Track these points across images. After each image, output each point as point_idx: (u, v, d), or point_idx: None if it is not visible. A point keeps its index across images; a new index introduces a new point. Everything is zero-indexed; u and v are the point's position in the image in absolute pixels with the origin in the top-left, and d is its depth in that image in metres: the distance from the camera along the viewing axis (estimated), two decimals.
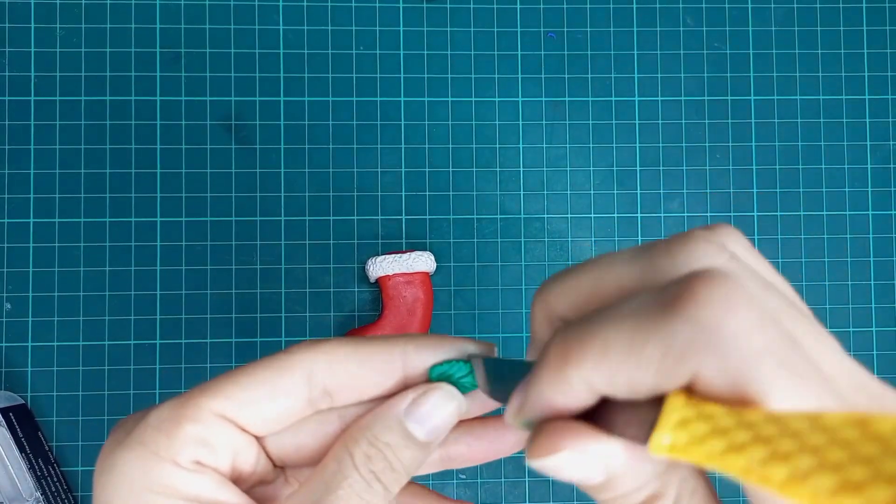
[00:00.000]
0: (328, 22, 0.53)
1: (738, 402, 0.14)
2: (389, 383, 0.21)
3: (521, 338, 0.53)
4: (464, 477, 0.52)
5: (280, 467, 0.22)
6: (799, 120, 0.54)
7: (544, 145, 0.53)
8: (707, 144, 0.54)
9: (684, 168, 0.54)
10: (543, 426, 0.17)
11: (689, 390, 0.14)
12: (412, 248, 0.52)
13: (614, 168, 0.54)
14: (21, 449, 0.47)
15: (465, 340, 0.21)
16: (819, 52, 0.54)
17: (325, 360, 0.20)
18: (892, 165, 0.54)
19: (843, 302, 0.54)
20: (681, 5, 0.54)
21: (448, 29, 0.53)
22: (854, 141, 0.54)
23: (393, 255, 0.49)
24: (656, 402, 0.15)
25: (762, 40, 0.54)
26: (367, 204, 0.52)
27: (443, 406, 0.21)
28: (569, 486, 0.51)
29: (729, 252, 0.16)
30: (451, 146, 0.53)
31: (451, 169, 0.53)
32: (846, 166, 0.54)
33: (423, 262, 0.50)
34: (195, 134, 0.52)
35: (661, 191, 0.54)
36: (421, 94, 0.53)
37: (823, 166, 0.54)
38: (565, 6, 0.54)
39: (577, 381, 0.16)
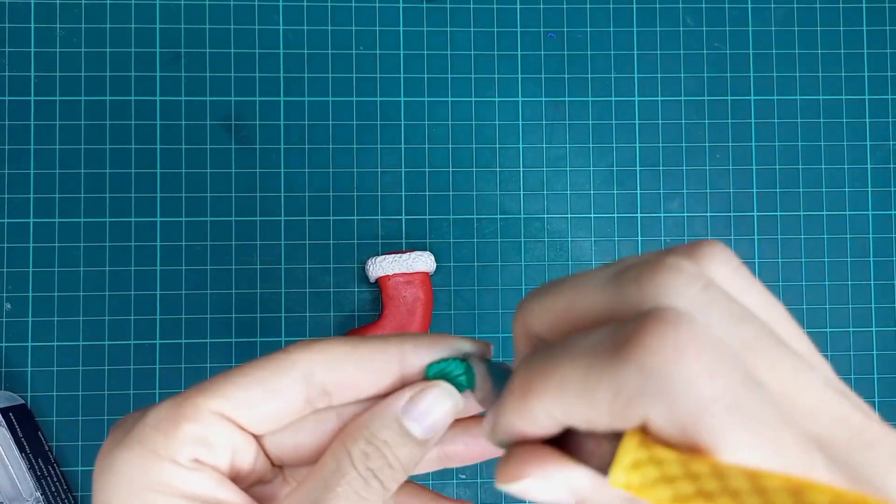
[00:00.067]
0: (328, 22, 0.53)
1: (688, 448, 0.14)
2: (387, 382, 0.21)
3: None
4: (463, 477, 0.52)
5: (279, 466, 0.22)
6: (799, 120, 0.54)
7: (544, 145, 0.53)
8: (707, 144, 0.54)
9: (684, 168, 0.54)
10: (512, 450, 0.17)
11: (644, 430, 0.14)
12: (412, 248, 0.52)
13: (614, 168, 0.54)
14: (21, 449, 0.47)
15: (461, 339, 0.21)
16: (819, 52, 0.54)
17: (322, 359, 0.20)
18: (892, 165, 0.54)
19: (843, 302, 0.54)
20: (681, 5, 0.54)
21: (448, 29, 0.53)
22: (854, 141, 0.54)
23: (393, 255, 0.49)
24: (616, 437, 0.15)
25: (762, 40, 0.54)
26: (367, 204, 0.52)
27: (440, 403, 0.21)
28: None
29: (704, 280, 0.15)
30: (451, 146, 0.53)
31: (451, 169, 0.53)
32: (846, 166, 0.54)
33: (423, 262, 0.50)
34: (195, 134, 0.52)
35: (661, 191, 0.54)
36: (421, 94, 0.53)
37: (823, 166, 0.54)
38: (565, 6, 0.54)
39: (538, 412, 0.16)
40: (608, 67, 0.54)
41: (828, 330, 0.53)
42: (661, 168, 0.54)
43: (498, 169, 0.53)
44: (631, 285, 0.16)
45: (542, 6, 0.54)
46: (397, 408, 0.20)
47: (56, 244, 0.51)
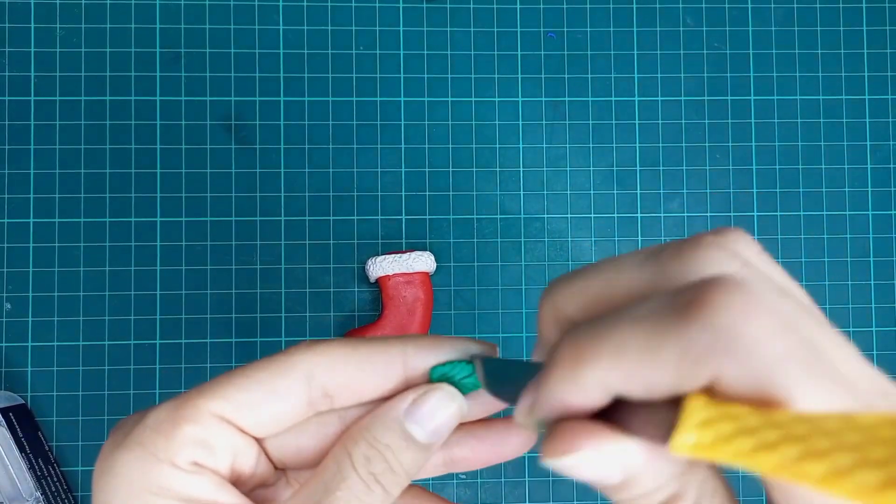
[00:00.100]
0: (328, 22, 0.53)
1: (761, 404, 0.14)
2: (390, 385, 0.21)
3: (521, 338, 0.53)
4: (464, 477, 0.52)
5: (281, 469, 0.22)
6: (799, 120, 0.54)
7: (544, 145, 0.53)
8: (707, 144, 0.54)
9: (684, 168, 0.54)
10: (559, 425, 0.16)
11: (708, 391, 0.14)
12: (412, 248, 0.52)
13: (614, 168, 0.54)
14: (21, 449, 0.47)
15: (466, 341, 0.21)
16: (819, 52, 0.54)
17: (324, 361, 0.20)
18: (892, 165, 0.54)
19: (843, 302, 0.54)
20: (681, 5, 0.54)
21: (448, 29, 0.53)
22: (854, 141, 0.54)
23: (393, 255, 0.49)
24: (673, 403, 0.15)
25: (762, 40, 0.54)
26: (367, 204, 0.52)
27: (443, 407, 0.20)
28: (569, 486, 0.51)
29: (741, 258, 0.16)
30: (450, 146, 0.53)
31: (451, 169, 0.53)
32: (846, 166, 0.54)
33: (422, 262, 0.50)
34: (195, 134, 0.52)
35: (661, 191, 0.54)
36: (421, 94, 0.53)
37: (823, 166, 0.54)
38: (565, 6, 0.54)
39: (591, 381, 0.15)
40: (608, 67, 0.54)
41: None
42: (661, 168, 0.54)
43: (498, 169, 0.53)
44: (673, 262, 0.16)
45: (542, 6, 0.54)
46: (400, 411, 0.20)
47: (56, 244, 0.51)
